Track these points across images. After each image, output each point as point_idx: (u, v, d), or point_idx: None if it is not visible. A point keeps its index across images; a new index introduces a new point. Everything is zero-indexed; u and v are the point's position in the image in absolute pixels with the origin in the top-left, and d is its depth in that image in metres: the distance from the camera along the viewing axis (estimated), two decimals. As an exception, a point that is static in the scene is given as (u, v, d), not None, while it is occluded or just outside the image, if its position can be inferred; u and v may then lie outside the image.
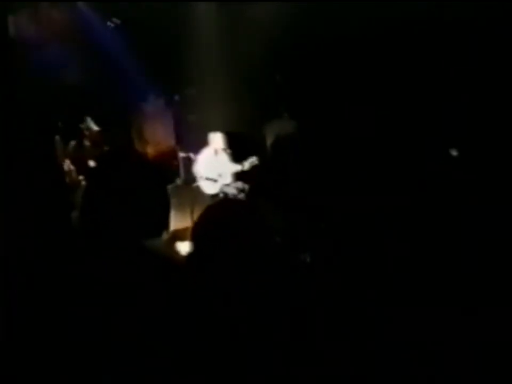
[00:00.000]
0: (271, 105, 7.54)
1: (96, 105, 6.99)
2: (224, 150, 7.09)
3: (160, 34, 7.46)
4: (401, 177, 4.95)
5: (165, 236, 1.65)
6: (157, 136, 8.51)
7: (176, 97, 8.07)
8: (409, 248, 3.61)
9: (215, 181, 6.96)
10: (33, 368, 1.32)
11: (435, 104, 6.08)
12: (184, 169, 8.02)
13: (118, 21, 7.77)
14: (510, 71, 5.75)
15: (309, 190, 5.24)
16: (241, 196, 6.89)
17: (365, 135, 5.99)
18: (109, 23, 7.75)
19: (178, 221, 5.87)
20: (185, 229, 5.57)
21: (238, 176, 7.09)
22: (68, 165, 6.33)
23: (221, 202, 2.08)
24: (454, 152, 5.15)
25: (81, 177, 6.26)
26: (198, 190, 6.98)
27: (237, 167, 7.05)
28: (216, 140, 7.01)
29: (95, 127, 6.73)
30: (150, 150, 8.24)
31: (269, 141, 7.34)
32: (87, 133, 6.69)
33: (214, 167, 6.98)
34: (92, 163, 6.28)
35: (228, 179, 7.04)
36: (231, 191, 6.95)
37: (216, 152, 7.03)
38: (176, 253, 4.97)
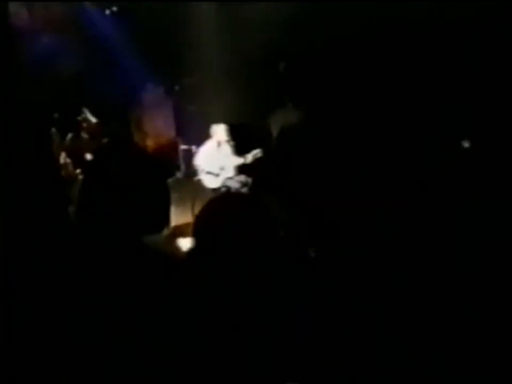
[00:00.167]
0: (275, 95, 7.54)
1: (94, 96, 7.00)
2: (228, 142, 7.08)
3: (159, 22, 7.47)
4: (406, 168, 4.98)
5: (165, 231, 1.65)
6: (157, 128, 8.53)
7: (176, 87, 8.07)
8: (414, 246, 3.66)
9: (217, 174, 6.96)
10: (32, 365, 1.33)
11: (440, 93, 6.18)
12: (185, 162, 8.03)
13: (115, 9, 7.77)
14: (510, 71, 5.85)
15: (315, 183, 5.25)
16: (244, 189, 6.89)
17: (371, 126, 6.03)
18: (107, 11, 7.75)
19: (179, 216, 5.88)
20: (186, 225, 5.59)
21: (241, 169, 7.09)
22: (64, 157, 6.34)
23: (223, 196, 2.09)
24: (466, 144, 5.19)
25: (78, 171, 6.28)
26: (199, 184, 6.99)
27: (240, 160, 7.04)
28: (219, 131, 7.00)
29: (92, 119, 6.74)
30: (150, 143, 8.26)
31: (274, 132, 7.34)
32: (84, 124, 6.70)
33: (216, 160, 6.97)
34: (89, 156, 6.30)
35: (231, 172, 7.04)
36: (234, 184, 6.95)
37: (219, 144, 7.01)
38: (177, 249, 4.98)
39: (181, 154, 8.07)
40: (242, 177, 7.04)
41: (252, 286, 1.44)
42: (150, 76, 7.79)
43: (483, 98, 5.91)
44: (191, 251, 1.56)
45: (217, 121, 7.13)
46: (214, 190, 6.92)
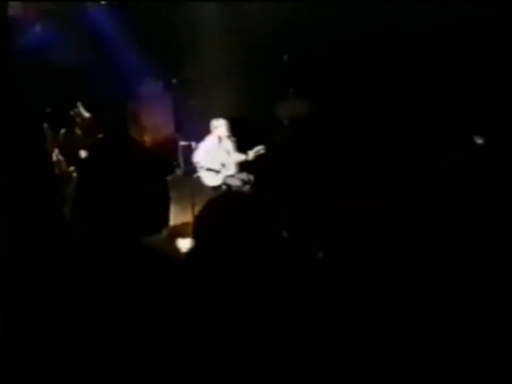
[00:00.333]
0: (279, 88, 7.55)
1: (88, 90, 7.00)
2: (229, 137, 7.07)
3: (156, 13, 7.48)
4: (408, 165, 5.06)
5: (164, 232, 1.66)
6: (155, 123, 8.53)
7: (175, 81, 8.06)
8: (414, 245, 3.73)
9: (217, 171, 6.96)
10: (31, 365, 1.35)
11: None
12: (184, 159, 8.03)
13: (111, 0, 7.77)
14: (510, 71, 6.02)
15: (317, 181, 5.29)
16: (246, 188, 6.89)
17: (375, 120, 6.13)
18: (102, 2, 7.75)
19: (178, 215, 5.89)
20: (185, 224, 5.60)
21: (243, 166, 7.09)
22: (56, 154, 6.34)
23: (223, 195, 2.08)
24: (479, 140, 5.27)
25: (71, 168, 6.29)
26: (198, 182, 6.99)
27: (242, 157, 7.04)
28: (220, 126, 6.99)
29: (86, 114, 6.74)
30: (147, 138, 8.26)
31: (277, 127, 7.35)
32: (78, 120, 6.71)
33: (217, 156, 6.96)
34: (83, 153, 6.31)
35: (232, 169, 7.03)
36: (235, 182, 6.95)
37: (220, 140, 7.01)
38: (176, 250, 5.00)
39: (180, 151, 8.07)
40: (244, 175, 7.04)
41: (252, 287, 1.44)
42: (147, 69, 7.78)
43: (483, 98, 6.08)
44: (191, 252, 1.56)
45: (218, 115, 7.13)
46: (214, 188, 6.92)
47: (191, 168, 7.22)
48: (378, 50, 6.77)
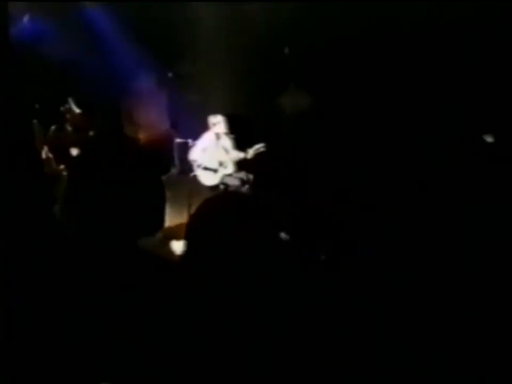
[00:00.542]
0: (280, 82, 7.57)
1: (79, 85, 7.00)
2: (227, 134, 7.06)
3: (152, 7, 7.51)
4: (409, 164, 5.14)
5: (158, 234, 1.66)
6: (150, 120, 8.52)
7: (171, 74, 8.06)
8: (414, 245, 3.80)
9: (215, 170, 6.95)
10: (30, 366, 1.37)
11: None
12: (180, 157, 8.03)
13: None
14: (510, 71, 6.19)
15: (320, 183, 5.33)
16: (244, 188, 6.88)
17: (377, 122, 6.22)
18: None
19: (173, 216, 5.88)
20: (180, 226, 5.59)
21: (241, 165, 7.07)
22: (46, 152, 6.35)
23: (220, 195, 2.09)
24: (489, 139, 5.35)
25: (61, 167, 6.30)
26: (195, 181, 6.98)
27: (241, 155, 7.02)
28: (218, 123, 6.98)
29: (77, 110, 6.73)
30: (142, 136, 8.26)
31: (278, 123, 7.35)
32: (68, 116, 6.70)
33: (214, 154, 6.96)
34: (74, 151, 6.31)
35: (230, 168, 7.02)
36: (233, 182, 6.94)
37: (218, 137, 7.00)
38: (171, 252, 5.00)
39: (175, 148, 8.07)
40: (243, 174, 7.03)
41: (249, 291, 1.45)
42: (142, 62, 7.78)
43: (483, 98, 6.25)
44: (185, 255, 1.55)
45: (216, 111, 7.13)
46: (211, 187, 6.92)
47: (188, 167, 7.21)
48: (378, 50, 6.92)
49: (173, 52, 7.75)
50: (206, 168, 6.95)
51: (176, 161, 8.21)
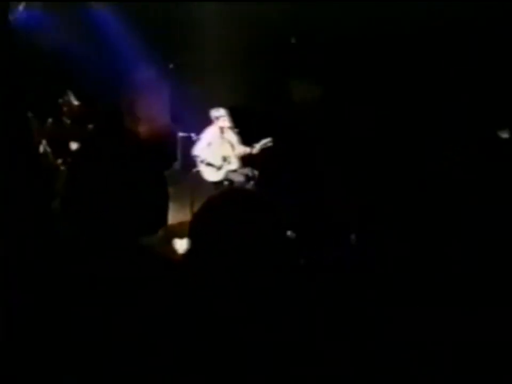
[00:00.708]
0: (287, 73, 7.57)
1: (78, 76, 7.01)
2: (232, 129, 7.04)
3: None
4: (410, 163, 5.19)
5: (160, 231, 1.66)
6: (150, 112, 8.53)
7: (172, 65, 8.05)
8: (414, 245, 3.85)
9: (219, 166, 6.93)
10: (30, 366, 1.38)
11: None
12: (183, 152, 8.02)
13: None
14: (510, 71, 6.32)
15: (326, 179, 5.37)
16: (249, 184, 6.87)
17: (377, 122, 6.29)
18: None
19: (175, 213, 5.90)
20: (183, 223, 5.60)
21: (247, 160, 7.05)
22: (44, 146, 6.36)
23: (224, 192, 2.08)
24: (505, 135, 5.41)
25: (59, 161, 6.32)
26: (198, 177, 6.97)
27: (246, 150, 7.00)
28: (222, 116, 6.96)
29: (75, 102, 6.74)
30: (142, 129, 8.27)
31: (286, 113, 7.32)
32: (65, 108, 6.71)
33: (218, 149, 6.94)
34: (74, 145, 6.33)
35: (234, 164, 7.01)
36: (238, 178, 6.93)
37: (222, 131, 6.98)
38: (173, 251, 5.02)
39: (178, 143, 8.07)
40: (248, 170, 7.01)
41: (252, 291, 1.45)
42: (143, 53, 7.78)
43: (483, 98, 6.37)
44: (188, 253, 1.55)
45: (220, 104, 7.11)
46: (215, 184, 6.91)
47: (191, 162, 7.19)
48: (378, 50, 6.99)
49: (174, 42, 7.74)
50: (209, 164, 6.93)
51: (179, 156, 8.22)
